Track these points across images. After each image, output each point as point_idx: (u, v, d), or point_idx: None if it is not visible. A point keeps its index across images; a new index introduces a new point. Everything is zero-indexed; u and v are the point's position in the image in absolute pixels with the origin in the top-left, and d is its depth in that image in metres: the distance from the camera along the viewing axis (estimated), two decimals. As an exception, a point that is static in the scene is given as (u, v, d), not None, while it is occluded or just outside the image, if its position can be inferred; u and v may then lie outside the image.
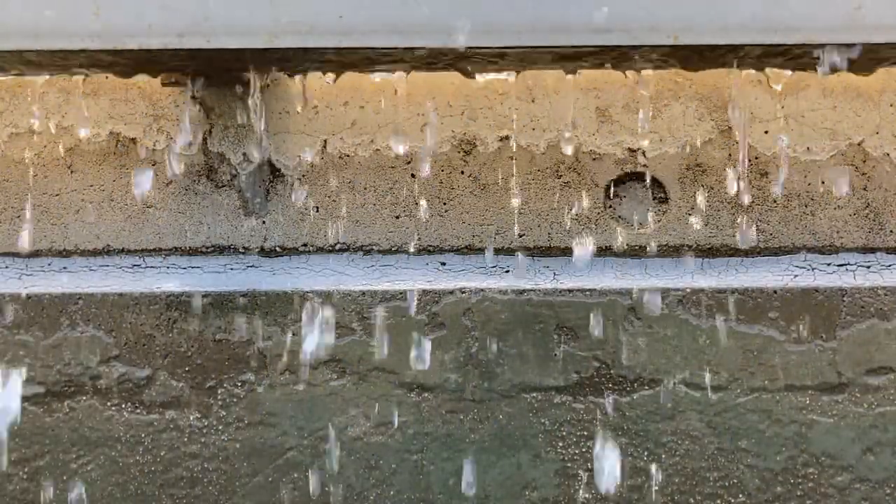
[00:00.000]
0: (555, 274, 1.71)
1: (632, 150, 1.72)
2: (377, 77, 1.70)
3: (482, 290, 1.68)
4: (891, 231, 1.72)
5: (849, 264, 1.71)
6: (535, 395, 1.67)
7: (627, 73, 1.67)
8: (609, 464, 1.65)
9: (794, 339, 1.66)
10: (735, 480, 1.67)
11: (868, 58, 1.55)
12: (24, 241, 1.75)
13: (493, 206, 1.74)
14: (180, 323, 1.68)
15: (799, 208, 1.72)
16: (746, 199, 1.71)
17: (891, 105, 1.70)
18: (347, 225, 1.75)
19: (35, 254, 1.75)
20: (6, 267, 1.74)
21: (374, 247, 1.74)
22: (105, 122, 1.74)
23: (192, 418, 1.68)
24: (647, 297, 1.66)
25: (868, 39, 1.47)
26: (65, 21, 1.48)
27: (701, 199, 1.72)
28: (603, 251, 1.73)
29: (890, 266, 1.70)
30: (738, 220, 1.72)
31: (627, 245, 1.73)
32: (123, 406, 1.69)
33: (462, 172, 1.74)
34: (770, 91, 1.70)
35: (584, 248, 1.73)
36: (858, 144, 1.71)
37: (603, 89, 1.71)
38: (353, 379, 1.68)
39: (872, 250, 1.72)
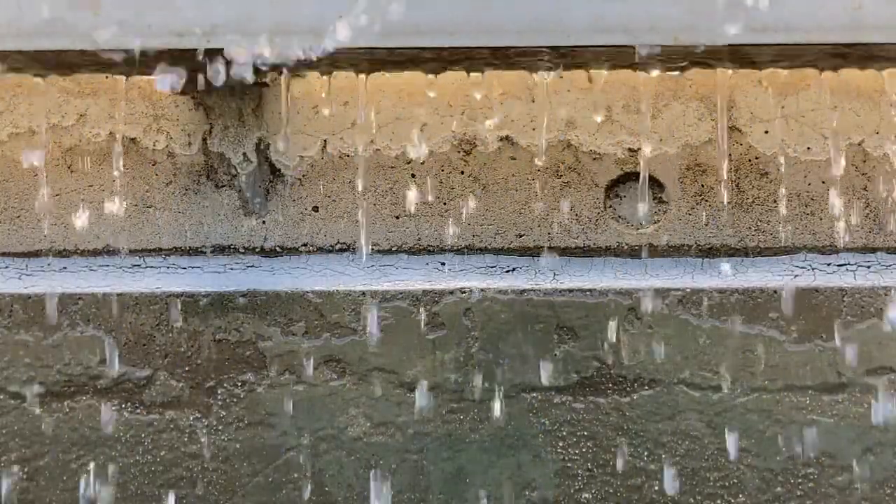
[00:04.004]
0: (555, 274, 1.71)
1: (632, 150, 1.72)
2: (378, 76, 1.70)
3: (482, 290, 1.68)
4: (891, 231, 1.72)
5: (849, 264, 1.71)
6: (535, 395, 1.67)
7: (627, 73, 1.67)
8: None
9: (794, 339, 1.66)
10: (735, 480, 1.67)
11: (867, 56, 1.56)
12: (24, 241, 1.75)
13: (493, 206, 1.74)
14: (180, 323, 1.68)
15: (799, 208, 1.72)
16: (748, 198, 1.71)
17: (891, 105, 1.70)
18: (347, 225, 1.75)
19: (35, 254, 1.75)
20: (6, 267, 1.74)
21: (374, 247, 1.74)
22: (105, 121, 1.74)
23: (191, 418, 1.68)
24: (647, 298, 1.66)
25: (868, 39, 1.47)
26: (65, 21, 1.48)
27: (701, 198, 1.72)
28: (603, 251, 1.74)
29: (890, 266, 1.70)
30: (739, 220, 1.72)
31: (627, 245, 1.73)
32: (123, 406, 1.69)
33: (462, 172, 1.74)
34: (770, 91, 1.70)
35: (584, 248, 1.73)
36: (858, 144, 1.71)
37: (603, 89, 1.71)
38: (353, 379, 1.68)
39: (872, 250, 1.72)
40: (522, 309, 1.67)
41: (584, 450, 1.67)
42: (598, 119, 1.71)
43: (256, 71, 1.50)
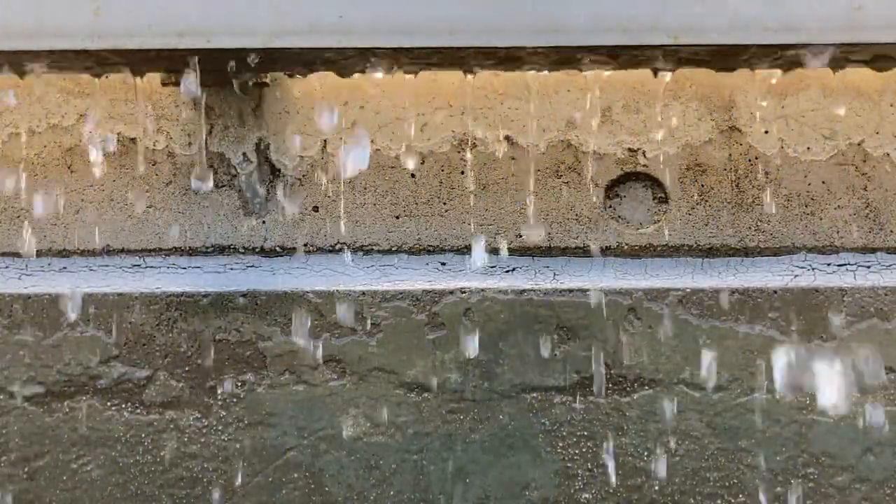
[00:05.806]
0: (555, 274, 1.71)
1: (632, 150, 1.72)
2: (378, 76, 1.70)
3: (482, 290, 1.68)
4: (891, 231, 1.72)
5: (849, 264, 1.71)
6: (535, 394, 1.67)
7: (627, 72, 1.67)
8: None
9: (794, 339, 1.66)
10: (735, 480, 1.67)
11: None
12: (25, 241, 1.75)
13: (493, 206, 1.74)
14: (180, 323, 1.68)
15: (799, 208, 1.72)
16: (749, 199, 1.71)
17: (891, 105, 1.70)
18: (347, 225, 1.75)
19: (35, 254, 1.75)
20: (6, 267, 1.74)
21: (374, 247, 1.75)
22: (105, 121, 1.74)
23: (191, 418, 1.68)
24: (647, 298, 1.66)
25: (868, 39, 1.47)
26: (65, 21, 1.48)
27: (701, 198, 1.72)
28: (603, 251, 1.74)
29: (890, 266, 1.70)
30: (739, 220, 1.72)
31: (627, 245, 1.73)
32: (123, 406, 1.69)
33: (462, 172, 1.74)
34: (770, 91, 1.70)
35: (584, 248, 1.73)
36: (858, 144, 1.71)
37: (603, 89, 1.71)
38: (353, 379, 1.68)
39: (872, 250, 1.72)
40: (522, 309, 1.67)
41: (583, 450, 1.67)
42: (598, 119, 1.71)
43: (256, 71, 1.51)
